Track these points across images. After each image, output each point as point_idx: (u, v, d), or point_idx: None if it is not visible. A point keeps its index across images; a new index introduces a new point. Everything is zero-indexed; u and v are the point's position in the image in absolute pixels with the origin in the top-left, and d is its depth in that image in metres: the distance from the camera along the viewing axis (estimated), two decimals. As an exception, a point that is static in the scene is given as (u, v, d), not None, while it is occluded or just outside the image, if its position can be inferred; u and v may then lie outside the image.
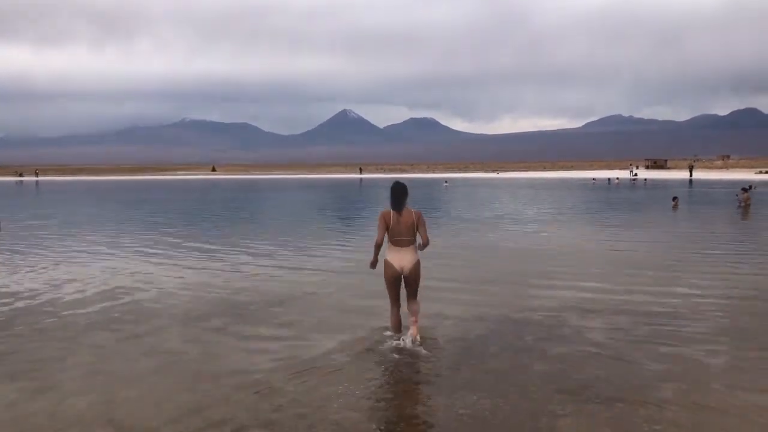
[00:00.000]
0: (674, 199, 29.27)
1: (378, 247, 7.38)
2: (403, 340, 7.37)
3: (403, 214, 7.32)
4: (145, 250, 15.68)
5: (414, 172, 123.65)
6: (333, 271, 12.43)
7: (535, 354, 7.08)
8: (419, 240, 7.44)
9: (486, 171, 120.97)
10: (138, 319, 8.74)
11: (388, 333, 7.66)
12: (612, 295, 9.92)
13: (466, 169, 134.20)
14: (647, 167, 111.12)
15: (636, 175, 74.31)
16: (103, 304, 9.64)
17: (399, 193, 7.36)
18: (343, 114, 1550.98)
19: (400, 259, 7.32)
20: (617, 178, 67.30)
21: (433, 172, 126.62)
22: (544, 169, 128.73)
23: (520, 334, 7.84)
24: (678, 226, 21.89)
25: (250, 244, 16.66)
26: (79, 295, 10.33)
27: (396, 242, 7.33)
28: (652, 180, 65.13)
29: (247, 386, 6.13)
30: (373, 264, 7.51)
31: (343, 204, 37.25)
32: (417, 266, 7.39)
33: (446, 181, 64.87)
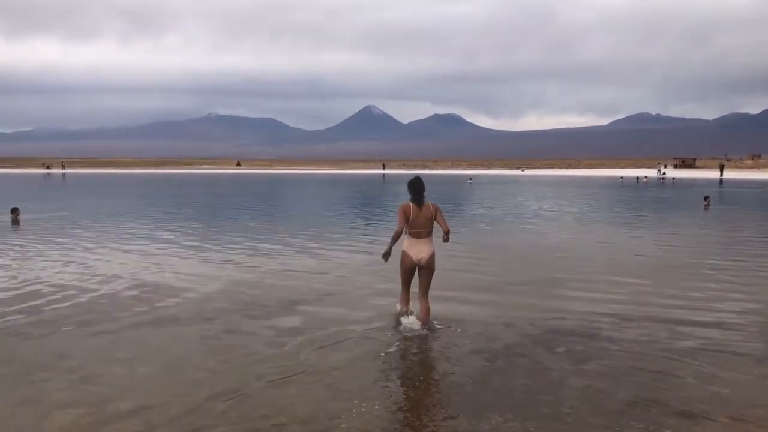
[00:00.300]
0: (706, 198, 28.34)
1: (396, 237, 7.67)
2: (410, 317, 7.87)
3: (422, 207, 7.67)
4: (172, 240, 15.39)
5: (437, 169, 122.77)
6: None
7: (569, 367, 6.47)
8: (441, 231, 7.76)
9: (510, 168, 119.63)
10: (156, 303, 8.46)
11: (398, 307, 8.18)
12: (649, 302, 9.26)
13: (490, 166, 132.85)
14: (675, 166, 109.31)
15: (664, 174, 72.88)
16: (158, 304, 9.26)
17: (418, 187, 7.70)
18: (368, 110, 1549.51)
19: (419, 251, 7.65)
20: (646, 177, 66.06)
21: (457, 168, 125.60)
22: (569, 166, 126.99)
23: (551, 344, 7.25)
24: (712, 227, 20.94)
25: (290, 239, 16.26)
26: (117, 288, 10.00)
27: (415, 234, 7.66)
28: (681, 179, 63.66)
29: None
30: (386, 255, 7.67)
31: (369, 199, 36.78)
32: (433, 257, 7.73)
33: (470, 178, 64.09)
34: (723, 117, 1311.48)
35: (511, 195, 39.64)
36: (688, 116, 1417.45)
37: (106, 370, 6.41)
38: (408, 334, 7.50)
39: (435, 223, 7.78)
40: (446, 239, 7.79)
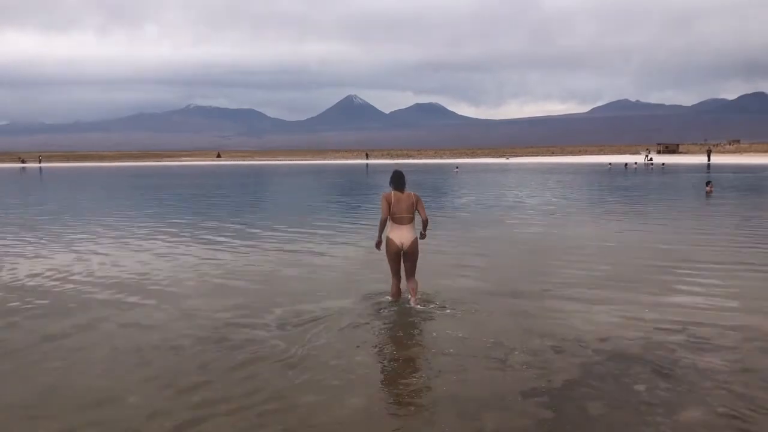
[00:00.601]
0: (708, 184, 27.35)
1: (383, 224, 8.26)
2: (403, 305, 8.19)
3: (403, 195, 8.21)
4: (148, 238, 14.03)
5: (421, 158, 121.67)
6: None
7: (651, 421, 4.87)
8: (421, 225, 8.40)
9: (495, 156, 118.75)
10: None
11: (388, 298, 8.44)
12: (708, 313, 7.75)
13: (474, 155, 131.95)
14: (659, 152, 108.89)
15: (651, 159, 72.23)
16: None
17: (399, 176, 8.33)
18: (349, 99, 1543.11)
19: (401, 236, 8.13)
20: (635, 163, 65.40)
21: (441, 157, 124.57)
22: (553, 154, 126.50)
23: (608, 375, 5.77)
24: (729, 214, 19.60)
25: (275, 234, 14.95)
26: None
27: (397, 220, 8.16)
28: (669, 165, 62.91)
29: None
30: (378, 244, 8.35)
31: (356, 188, 35.47)
32: (416, 242, 8.22)
33: (457, 167, 62.97)
34: (701, 103, 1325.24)
35: (502, 184, 38.23)
36: (667, 102, 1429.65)
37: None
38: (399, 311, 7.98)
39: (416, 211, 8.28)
40: (423, 235, 8.49)
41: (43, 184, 48.34)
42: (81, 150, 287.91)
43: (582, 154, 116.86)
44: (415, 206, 8.25)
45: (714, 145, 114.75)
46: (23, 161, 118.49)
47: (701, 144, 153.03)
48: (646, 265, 10.86)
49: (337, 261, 11.77)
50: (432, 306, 8.15)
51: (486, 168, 66.09)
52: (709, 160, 70.18)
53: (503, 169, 63.52)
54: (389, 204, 8.17)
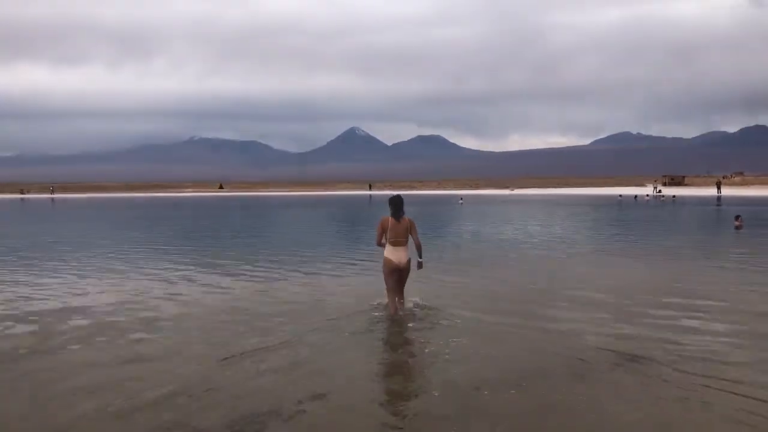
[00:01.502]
0: (737, 218, 25.80)
1: (380, 245, 9.24)
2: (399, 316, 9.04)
3: (400, 221, 9.13)
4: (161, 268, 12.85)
5: (424, 189, 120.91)
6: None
7: None
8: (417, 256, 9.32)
9: (497, 188, 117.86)
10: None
11: (382, 314, 9.21)
12: None
13: (476, 186, 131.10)
14: (664, 184, 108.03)
15: (660, 191, 71.20)
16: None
17: (398, 203, 9.19)
18: (352, 131, 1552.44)
19: (398, 256, 9.04)
20: (647, 195, 64.53)
21: (444, 188, 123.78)
22: (557, 185, 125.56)
23: None
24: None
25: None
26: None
27: (394, 243, 9.08)
28: (680, 197, 61.67)
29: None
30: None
31: (360, 221, 34.38)
32: (409, 262, 9.16)
33: (461, 199, 61.87)
34: (702, 135, 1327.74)
35: (511, 216, 36.81)
36: (668, 135, 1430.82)
37: None
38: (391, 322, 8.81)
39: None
40: (420, 264, 9.33)
41: (68, 215, 47.20)
42: (85, 181, 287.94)
43: (586, 186, 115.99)
44: (409, 231, 9.16)
45: (722, 177, 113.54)
46: (23, 192, 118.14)
47: (705, 176, 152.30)
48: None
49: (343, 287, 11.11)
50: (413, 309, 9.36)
51: (489, 200, 65.05)
52: (719, 192, 69.08)
53: (506, 200, 62.45)
54: (384, 230, 9.09)
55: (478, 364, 6.88)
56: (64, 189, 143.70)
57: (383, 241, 9.11)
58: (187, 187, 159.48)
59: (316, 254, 17.57)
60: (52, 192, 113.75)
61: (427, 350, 7.50)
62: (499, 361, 7.02)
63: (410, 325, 8.65)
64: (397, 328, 8.58)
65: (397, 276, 9.10)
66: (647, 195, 65.43)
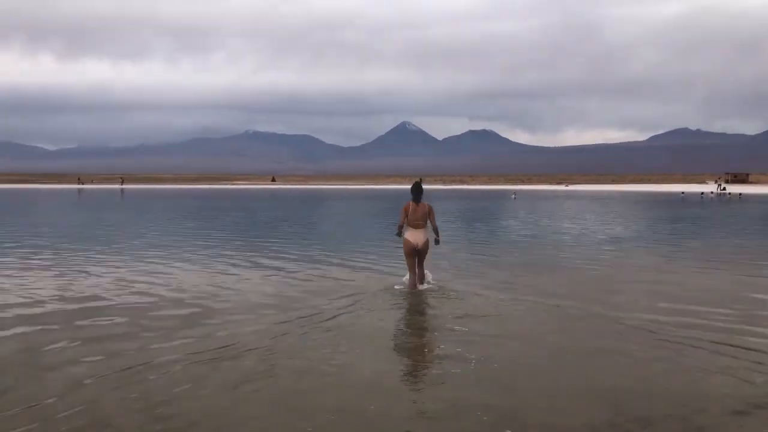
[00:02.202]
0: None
1: (400, 227, 10.38)
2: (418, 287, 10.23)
3: (419, 205, 10.23)
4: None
5: (474, 184, 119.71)
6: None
7: None
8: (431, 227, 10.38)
9: (551, 183, 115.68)
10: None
11: (404, 288, 10.34)
12: None
13: (529, 181, 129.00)
14: (727, 181, 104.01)
15: (724, 189, 68.55)
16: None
17: (417, 189, 10.34)
18: (403, 126, 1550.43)
19: (416, 237, 10.15)
20: (712, 192, 62.34)
21: (495, 183, 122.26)
22: (614, 182, 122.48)
23: None
24: None
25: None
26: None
27: (413, 225, 10.22)
28: (747, 195, 59.03)
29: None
30: (398, 234, 10.36)
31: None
32: (427, 243, 10.24)
33: (515, 194, 60.75)
34: (765, 132, 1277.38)
35: (573, 213, 34.70)
36: (729, 131, 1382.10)
37: None
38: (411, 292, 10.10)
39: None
40: (438, 240, 10.47)
41: (150, 206, 48.20)
42: (142, 172, 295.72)
43: (644, 183, 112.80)
44: (428, 215, 10.30)
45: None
46: (81, 182, 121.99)
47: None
48: None
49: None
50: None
51: (543, 195, 63.68)
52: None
53: (561, 196, 60.99)
54: (406, 213, 10.29)
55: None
56: (123, 180, 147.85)
57: (403, 225, 10.33)
58: (240, 180, 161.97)
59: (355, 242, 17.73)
60: (122, 183, 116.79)
61: (432, 312, 8.95)
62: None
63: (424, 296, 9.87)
64: (414, 299, 9.73)
65: (416, 255, 10.21)
66: (712, 192, 63.18)
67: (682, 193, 61.56)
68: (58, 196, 65.06)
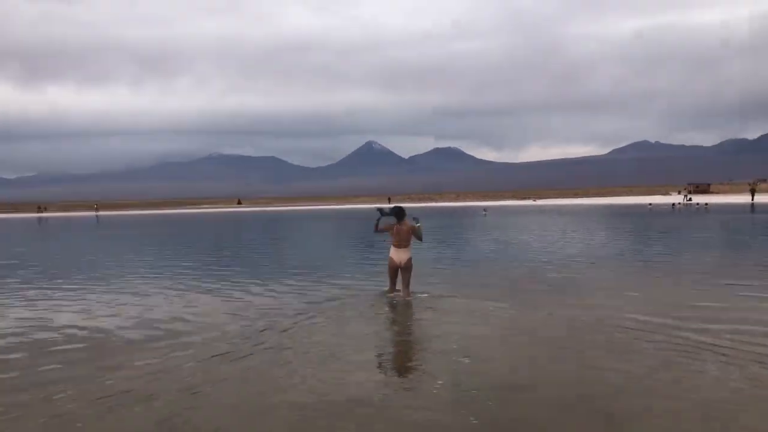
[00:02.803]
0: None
1: (382, 226, 11.49)
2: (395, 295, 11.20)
3: (403, 227, 11.20)
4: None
5: (443, 201, 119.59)
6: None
7: None
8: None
9: (519, 199, 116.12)
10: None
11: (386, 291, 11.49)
12: None
13: (497, 197, 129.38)
14: (690, 192, 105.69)
15: (690, 199, 69.37)
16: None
17: (400, 212, 11.28)
18: (368, 146, 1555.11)
19: (399, 256, 11.09)
20: (679, 203, 63.24)
21: (463, 200, 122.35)
22: (576, 195, 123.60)
23: None
24: None
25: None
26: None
27: (397, 244, 11.15)
28: (713, 205, 59.61)
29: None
30: (379, 211, 11.72)
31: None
32: (410, 261, 11.12)
33: (485, 210, 60.40)
34: (722, 143, 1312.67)
35: (546, 228, 33.38)
36: (688, 143, 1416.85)
37: None
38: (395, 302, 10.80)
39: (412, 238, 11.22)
40: (417, 221, 11.27)
41: (133, 234, 46.47)
42: (105, 199, 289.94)
43: (609, 195, 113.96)
44: (411, 233, 11.20)
45: (753, 184, 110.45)
46: (40, 210, 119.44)
47: (729, 183, 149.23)
48: None
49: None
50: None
51: (514, 211, 63.47)
52: (753, 199, 67.02)
53: (531, 211, 60.86)
54: (391, 230, 11.22)
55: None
56: (85, 207, 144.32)
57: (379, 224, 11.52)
58: (206, 203, 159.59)
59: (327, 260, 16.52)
60: (97, 210, 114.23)
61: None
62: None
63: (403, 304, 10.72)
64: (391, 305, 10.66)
65: (398, 272, 11.18)
66: (680, 203, 64.19)
67: (650, 204, 61.97)
68: (15, 226, 62.70)
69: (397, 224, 11.13)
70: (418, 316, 9.69)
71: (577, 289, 12.02)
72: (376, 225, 11.54)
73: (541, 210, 62.28)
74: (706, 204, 58.93)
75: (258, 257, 21.34)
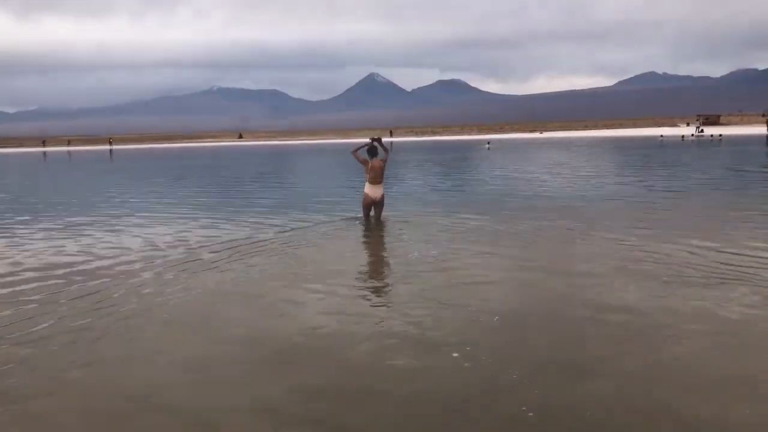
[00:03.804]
0: None
1: (356, 152, 12.12)
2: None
3: (376, 163, 11.73)
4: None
5: (446, 135, 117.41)
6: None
7: None
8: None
9: (525, 131, 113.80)
10: None
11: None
12: None
13: (502, 130, 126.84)
14: (701, 123, 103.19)
15: (702, 131, 67.38)
16: None
17: (373, 148, 11.82)
18: (371, 78, 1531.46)
19: (374, 192, 11.74)
20: (692, 135, 61.28)
21: (468, 134, 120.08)
22: (586, 128, 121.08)
23: None
24: None
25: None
26: None
27: (372, 181, 11.73)
28: (727, 137, 57.58)
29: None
30: (356, 149, 12.21)
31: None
32: (383, 198, 11.92)
33: (488, 143, 58.61)
34: (731, 74, 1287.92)
35: (558, 163, 30.15)
36: (695, 74, 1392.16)
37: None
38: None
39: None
40: (381, 139, 12.11)
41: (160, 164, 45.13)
42: (106, 133, 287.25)
43: (616, 128, 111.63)
44: (384, 165, 11.82)
45: (766, 115, 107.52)
46: (44, 144, 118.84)
47: (738, 114, 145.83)
48: None
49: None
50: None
51: (519, 144, 61.72)
52: (769, 130, 65.06)
53: (538, 144, 59.12)
54: (367, 166, 11.72)
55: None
56: (83, 141, 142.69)
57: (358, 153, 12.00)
58: (208, 138, 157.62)
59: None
60: (111, 144, 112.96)
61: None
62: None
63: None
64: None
65: (372, 207, 11.81)
66: (692, 135, 62.09)
67: (661, 136, 60.03)
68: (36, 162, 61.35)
69: (370, 161, 11.64)
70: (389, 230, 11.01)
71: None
72: (356, 150, 12.05)
73: (549, 142, 60.54)
74: (720, 135, 56.96)
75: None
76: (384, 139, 13.18)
